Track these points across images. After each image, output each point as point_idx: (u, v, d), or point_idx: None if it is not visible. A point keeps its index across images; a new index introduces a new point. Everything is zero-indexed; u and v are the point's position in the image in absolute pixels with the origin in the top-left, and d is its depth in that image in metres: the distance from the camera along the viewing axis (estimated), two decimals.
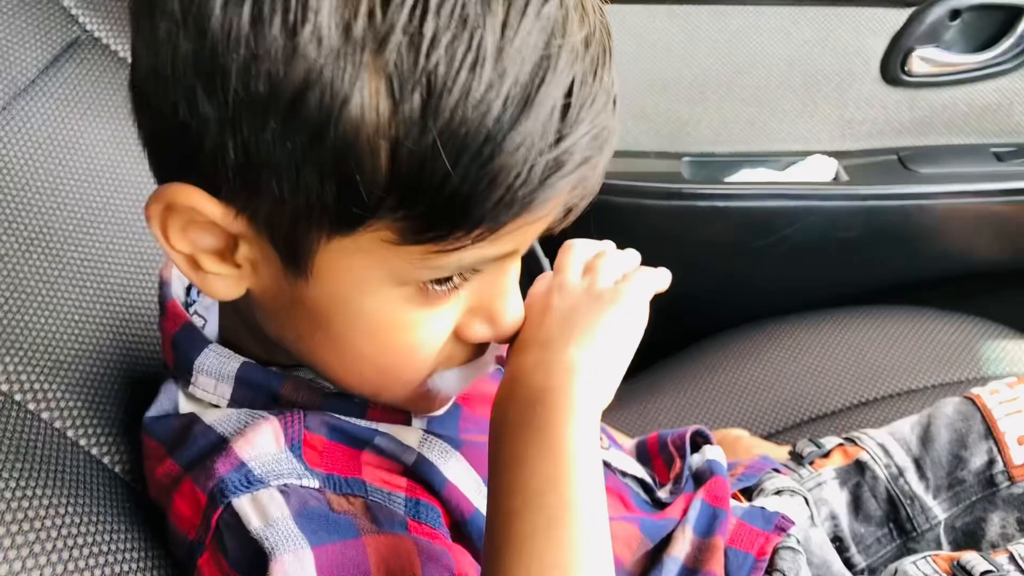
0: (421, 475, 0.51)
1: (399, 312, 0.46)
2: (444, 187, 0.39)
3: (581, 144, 0.41)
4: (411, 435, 0.53)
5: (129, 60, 0.79)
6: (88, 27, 0.80)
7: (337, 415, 0.52)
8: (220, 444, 0.49)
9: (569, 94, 0.40)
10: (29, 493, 0.47)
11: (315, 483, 0.48)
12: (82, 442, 0.54)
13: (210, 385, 0.52)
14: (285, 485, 0.47)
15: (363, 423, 0.52)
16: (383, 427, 0.52)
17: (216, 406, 0.52)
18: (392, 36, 0.37)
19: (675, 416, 1.01)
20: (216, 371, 0.51)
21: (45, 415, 0.54)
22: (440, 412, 0.55)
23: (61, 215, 0.66)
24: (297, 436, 0.49)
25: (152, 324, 0.66)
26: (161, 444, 0.52)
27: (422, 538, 0.48)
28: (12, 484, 0.46)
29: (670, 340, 1.11)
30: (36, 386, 0.54)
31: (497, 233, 0.42)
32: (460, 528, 0.52)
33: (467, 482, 0.53)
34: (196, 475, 0.48)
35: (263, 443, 0.48)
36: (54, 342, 0.58)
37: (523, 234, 0.44)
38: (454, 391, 0.52)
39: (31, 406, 0.53)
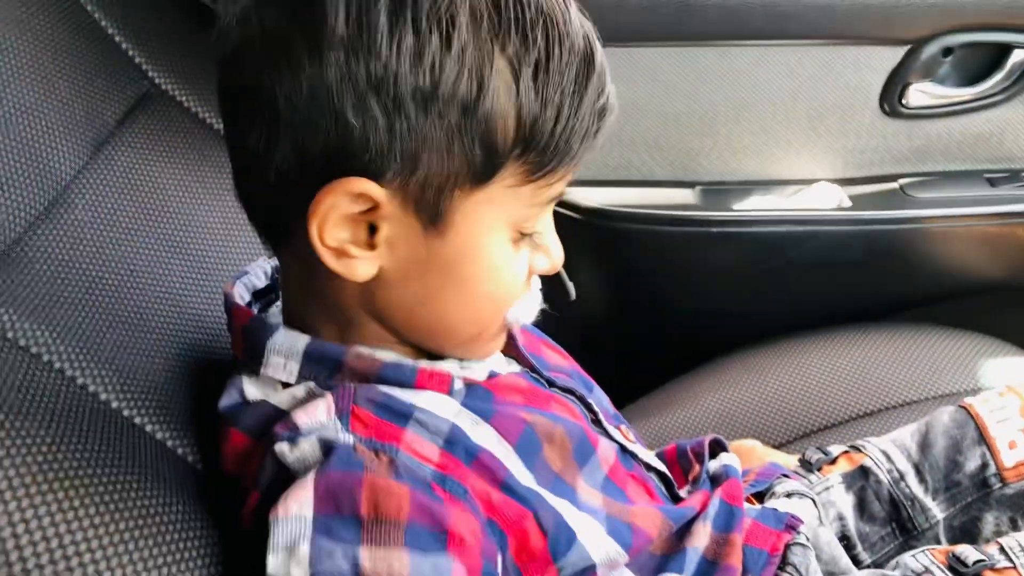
0: (454, 449, 0.58)
1: (508, 250, 0.59)
2: (555, 131, 0.54)
3: (611, 95, 0.58)
4: (448, 408, 0.60)
5: (193, 110, 0.88)
6: (156, 80, 0.88)
7: (386, 389, 0.60)
8: (281, 413, 0.59)
9: (593, 59, 0.56)
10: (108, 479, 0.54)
11: (350, 439, 0.56)
12: (158, 435, 0.62)
13: (280, 364, 0.60)
14: (323, 438, 0.56)
15: (406, 399, 0.59)
16: (422, 403, 0.60)
17: (286, 384, 0.61)
18: (509, 30, 0.53)
19: (689, 430, 1.06)
20: (287, 349, 0.60)
21: (134, 418, 0.62)
22: (482, 373, 0.65)
23: (143, 252, 0.74)
24: (346, 407, 0.57)
25: (220, 346, 0.73)
26: (234, 425, 0.61)
27: (429, 494, 0.55)
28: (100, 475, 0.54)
29: (684, 358, 1.17)
30: (129, 393, 0.62)
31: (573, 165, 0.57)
32: (500, 487, 0.59)
33: (498, 448, 0.60)
34: (264, 444, 0.58)
35: (316, 413, 0.57)
36: (141, 358, 0.66)
37: (574, 170, 0.59)
38: (526, 318, 0.64)
39: (125, 412, 0.61)
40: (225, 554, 0.58)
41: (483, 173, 0.55)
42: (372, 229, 0.56)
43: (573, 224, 1.18)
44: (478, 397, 0.63)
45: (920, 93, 1.15)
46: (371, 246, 0.57)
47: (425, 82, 0.52)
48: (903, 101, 1.15)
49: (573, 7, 0.57)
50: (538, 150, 0.55)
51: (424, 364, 0.62)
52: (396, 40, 0.51)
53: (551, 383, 0.71)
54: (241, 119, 0.57)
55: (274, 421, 0.58)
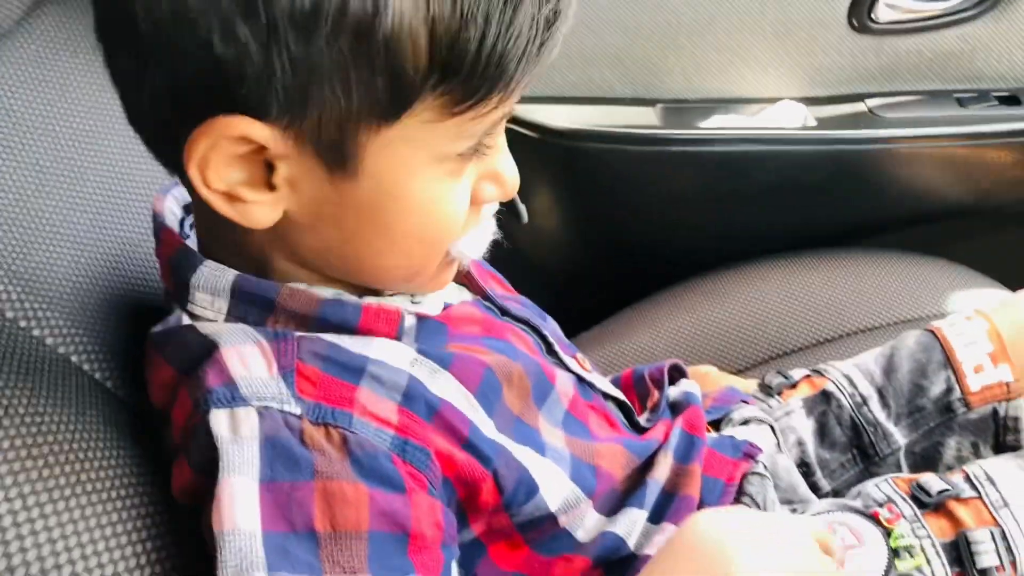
0: (414, 405, 0.53)
1: (438, 187, 0.51)
2: (480, 52, 0.45)
3: (563, 4, 0.47)
4: (402, 356, 0.54)
5: None
6: None
7: (331, 338, 0.53)
8: (211, 349, 0.51)
9: None
10: (34, 414, 0.49)
11: (297, 410, 0.49)
12: (85, 366, 0.56)
13: (207, 301, 0.54)
14: (265, 407, 0.48)
15: (355, 350, 0.53)
16: (374, 353, 0.54)
17: (214, 321, 0.54)
18: None
19: (647, 356, 1.04)
20: (212, 285, 0.54)
21: (49, 340, 0.56)
22: (436, 308, 0.60)
23: (55, 152, 0.68)
24: (289, 364, 0.50)
25: (145, 251, 0.68)
26: (160, 354, 0.55)
27: (384, 490, 0.49)
28: (20, 406, 0.48)
29: (642, 284, 1.14)
30: (40, 313, 0.56)
31: (517, 88, 0.48)
32: (463, 445, 0.54)
33: (459, 399, 0.55)
34: (190, 384, 0.51)
35: (255, 366, 0.50)
36: (53, 272, 0.60)
37: (519, 92, 0.49)
38: (474, 253, 0.58)
39: (35, 332, 0.55)
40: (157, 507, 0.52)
41: (392, 108, 0.46)
42: (271, 167, 0.49)
43: (526, 143, 1.14)
44: (432, 333, 0.58)
45: (890, 7, 1.11)
46: (270, 187, 0.49)
47: (305, 2, 0.42)
48: (872, 15, 1.11)
49: None
50: (461, 77, 0.46)
51: (370, 300, 0.56)
52: None
53: (504, 311, 0.66)
54: (108, 36, 0.49)
55: (202, 359, 0.51)
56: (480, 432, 0.55)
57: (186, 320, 0.55)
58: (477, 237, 0.57)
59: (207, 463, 0.48)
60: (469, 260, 0.59)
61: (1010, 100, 1.15)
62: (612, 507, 0.65)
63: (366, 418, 0.50)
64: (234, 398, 0.49)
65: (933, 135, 1.14)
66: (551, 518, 0.59)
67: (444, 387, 0.55)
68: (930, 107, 1.15)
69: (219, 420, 0.48)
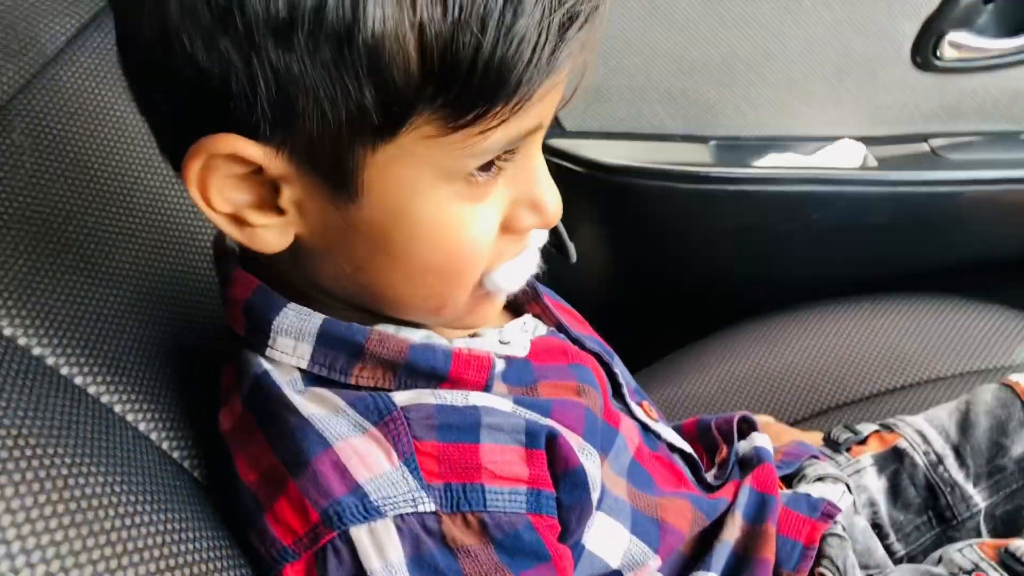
0: (536, 441, 0.50)
1: (453, 210, 0.47)
2: (477, 60, 0.40)
3: (580, 10, 0.42)
4: (505, 405, 0.52)
5: None
6: None
7: (436, 400, 0.50)
8: (324, 448, 0.48)
9: None
10: (77, 470, 0.45)
11: (431, 506, 0.47)
12: (129, 417, 0.53)
13: (289, 346, 0.51)
14: (401, 517, 0.46)
15: (462, 403, 0.50)
16: (480, 401, 0.51)
17: (298, 368, 0.51)
18: None
19: (700, 403, 1.00)
20: (296, 330, 0.50)
21: (91, 389, 0.52)
22: (516, 348, 0.56)
23: (93, 186, 0.65)
24: (408, 449, 0.48)
25: (190, 291, 0.65)
26: (261, 428, 0.51)
27: (533, 568, 0.48)
28: (61, 458, 0.45)
29: (694, 326, 1.09)
30: (78, 359, 0.53)
31: (532, 101, 0.43)
32: (564, 476, 0.51)
33: (570, 437, 0.53)
34: (305, 485, 0.47)
35: (376, 462, 0.47)
36: (90, 312, 0.56)
37: (545, 105, 0.45)
38: (511, 286, 0.53)
39: (77, 380, 0.52)
40: None
41: (386, 124, 0.42)
42: (278, 190, 0.46)
43: (576, 179, 1.10)
44: (520, 372, 0.55)
45: (954, 46, 1.07)
46: (279, 210, 0.47)
47: (278, 7, 0.39)
48: (937, 53, 1.07)
49: None
50: (458, 87, 0.41)
51: (459, 345, 0.53)
52: None
53: (578, 344, 0.63)
54: (125, 64, 0.48)
55: (310, 450, 0.48)
56: (584, 471, 0.52)
57: (265, 365, 0.51)
58: (516, 268, 0.53)
59: None
60: (506, 293, 0.54)
61: None
62: (679, 571, 0.61)
63: (497, 483, 0.48)
64: (367, 510, 0.46)
65: (998, 178, 1.09)
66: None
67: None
68: (996, 149, 1.11)
69: (363, 543, 0.46)
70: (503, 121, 0.43)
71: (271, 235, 0.47)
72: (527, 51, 0.41)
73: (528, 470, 0.50)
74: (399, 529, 0.46)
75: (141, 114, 0.49)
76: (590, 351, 0.63)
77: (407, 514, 0.46)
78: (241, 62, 0.41)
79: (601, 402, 0.59)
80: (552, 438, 0.51)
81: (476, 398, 0.51)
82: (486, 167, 0.46)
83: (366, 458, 0.47)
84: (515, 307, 0.63)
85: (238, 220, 0.47)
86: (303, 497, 0.47)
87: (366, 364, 0.51)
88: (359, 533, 0.46)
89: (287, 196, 0.46)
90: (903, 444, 0.78)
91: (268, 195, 0.46)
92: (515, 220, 0.50)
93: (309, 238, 0.48)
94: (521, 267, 0.53)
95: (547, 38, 0.41)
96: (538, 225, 0.51)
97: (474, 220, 0.48)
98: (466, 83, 0.41)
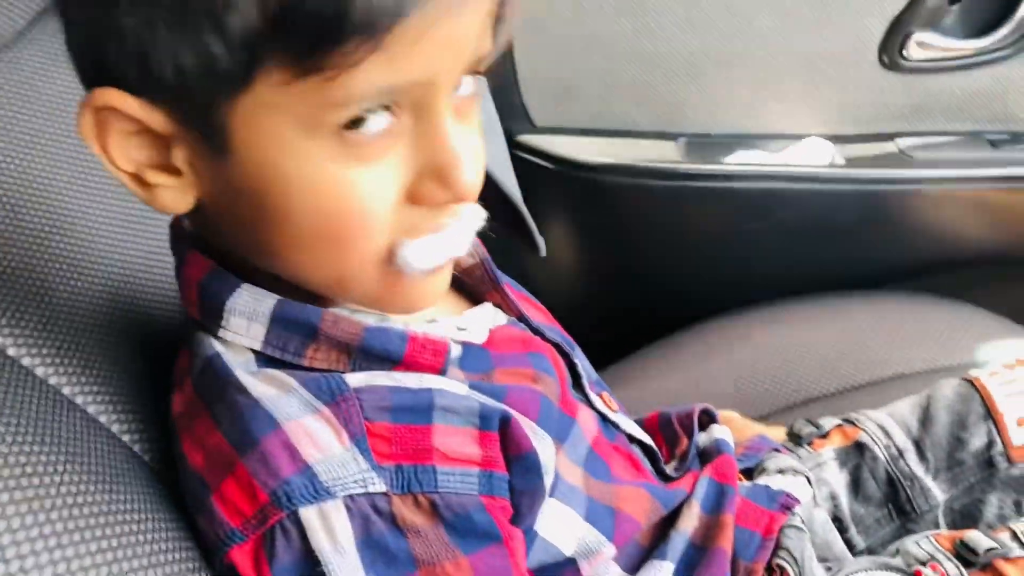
0: (490, 423, 0.50)
1: (330, 170, 0.45)
2: (308, 2, 0.40)
3: None
4: (459, 388, 0.52)
5: None
6: None
7: (388, 381, 0.50)
8: (270, 425, 0.47)
9: None
10: (18, 448, 0.44)
11: (382, 487, 0.47)
12: (78, 400, 0.52)
13: (243, 326, 0.50)
14: (351, 498, 0.46)
15: (414, 384, 0.50)
16: (434, 383, 0.51)
17: (251, 349, 0.51)
18: None
19: (667, 398, 0.99)
20: (251, 310, 0.50)
21: (39, 371, 0.52)
22: (473, 335, 0.55)
23: (51, 169, 0.64)
24: (359, 430, 0.47)
25: (149, 275, 0.64)
26: (209, 411, 0.50)
27: (484, 549, 0.48)
28: (1, 436, 0.44)
29: (662, 323, 1.10)
30: (26, 340, 0.52)
31: (384, 46, 0.41)
32: (516, 460, 0.51)
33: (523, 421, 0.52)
34: (253, 465, 0.46)
35: (326, 442, 0.47)
36: (49, 297, 0.56)
37: (429, 59, 0.43)
38: (426, 264, 0.49)
39: (24, 361, 0.51)
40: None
41: (236, 72, 0.42)
42: (170, 146, 0.47)
43: (546, 175, 1.11)
44: (476, 359, 0.55)
45: (921, 45, 1.09)
46: (176, 171, 0.47)
47: None
48: (904, 53, 1.08)
49: None
50: (296, 26, 0.40)
51: (415, 330, 0.52)
52: None
53: (539, 334, 0.63)
54: None
55: (259, 431, 0.47)
56: (536, 456, 0.52)
57: (217, 347, 0.51)
58: (431, 246, 0.49)
59: (303, 568, 0.46)
60: (418, 271, 0.50)
61: None
62: (636, 561, 0.61)
63: (448, 465, 0.48)
64: (317, 491, 0.45)
65: (965, 177, 1.11)
66: (570, 564, 0.56)
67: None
68: (962, 148, 1.13)
69: (312, 523, 0.45)
70: (355, 65, 0.41)
71: (170, 196, 0.47)
72: None
73: (481, 451, 0.50)
74: (349, 510, 0.46)
75: None
76: (550, 341, 0.63)
77: (357, 495, 0.46)
78: (99, 14, 0.43)
79: (559, 391, 0.59)
80: (505, 421, 0.51)
81: (430, 380, 0.51)
82: (356, 123, 0.44)
83: (316, 439, 0.47)
84: (475, 296, 0.63)
85: (139, 180, 0.47)
86: (251, 478, 0.46)
87: (320, 345, 0.51)
88: (308, 514, 0.45)
89: (179, 156, 0.46)
90: (864, 438, 0.78)
91: (162, 154, 0.46)
92: (421, 191, 0.47)
93: (209, 201, 0.48)
94: (439, 245, 0.50)
95: None
96: (448, 199, 0.48)
97: (358, 183, 0.46)
98: (302, 23, 0.40)
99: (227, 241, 0.51)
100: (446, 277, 0.53)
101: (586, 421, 0.61)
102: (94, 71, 0.46)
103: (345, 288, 0.51)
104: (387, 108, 0.45)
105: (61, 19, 0.47)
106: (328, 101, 0.43)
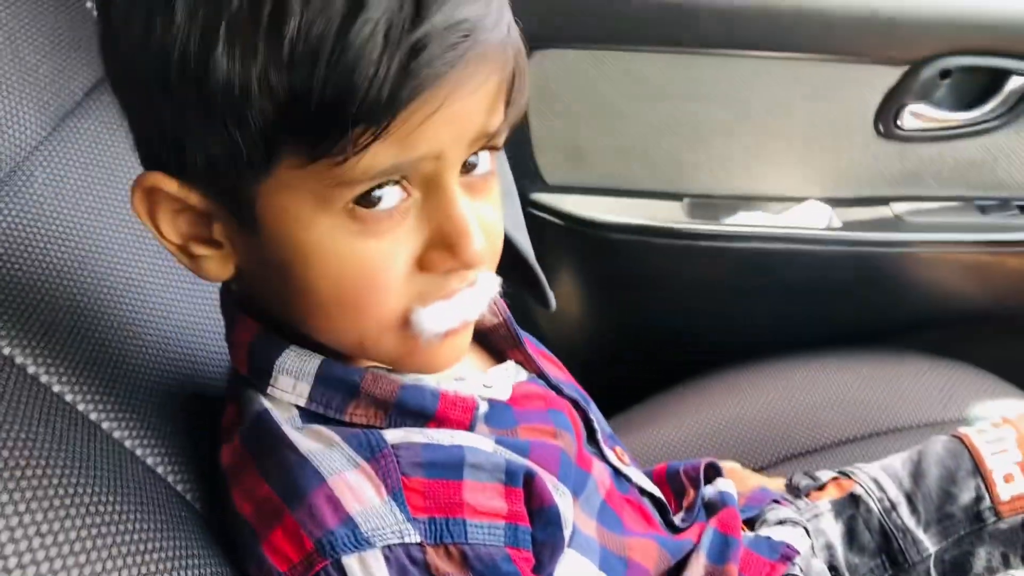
0: (515, 480, 0.54)
1: (342, 242, 0.48)
2: (311, 96, 0.43)
3: (438, 32, 0.44)
4: (487, 445, 0.55)
5: None
6: None
7: (423, 439, 0.54)
8: (318, 483, 0.51)
9: None
10: (97, 499, 0.49)
11: (417, 537, 0.50)
12: (138, 452, 0.57)
13: (289, 384, 0.54)
14: (389, 548, 0.49)
15: (447, 441, 0.54)
16: (464, 441, 0.54)
17: (296, 405, 0.55)
18: None
19: (671, 448, 1.03)
20: (297, 369, 0.54)
21: (105, 425, 0.56)
22: (461, 374, 0.59)
23: (107, 233, 0.69)
24: (396, 484, 0.51)
25: (198, 335, 0.68)
26: (255, 464, 0.54)
27: None
28: (84, 487, 0.49)
29: (666, 374, 1.14)
30: (94, 396, 0.57)
31: (388, 131, 0.44)
32: (538, 513, 0.55)
33: (546, 478, 0.56)
34: (301, 516, 0.50)
35: (366, 496, 0.50)
36: (106, 354, 0.60)
37: (435, 138, 0.46)
38: (438, 327, 0.52)
39: (92, 416, 0.56)
40: None
41: (257, 159, 0.46)
42: (211, 224, 0.51)
43: (557, 231, 1.15)
44: (501, 415, 0.59)
45: (915, 116, 1.14)
46: (216, 243, 0.52)
47: (157, 61, 0.45)
48: (898, 122, 1.13)
49: None
50: (306, 118, 0.44)
51: (446, 388, 0.57)
52: (130, 17, 0.46)
53: (558, 391, 0.67)
54: None
55: (306, 485, 0.51)
56: (557, 510, 0.55)
57: (266, 403, 0.55)
58: (444, 311, 0.52)
59: None
60: (432, 335, 0.52)
61: None
62: None
63: (477, 518, 0.51)
64: (358, 541, 0.49)
65: (955, 240, 1.16)
66: None
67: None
68: (953, 213, 1.17)
69: (353, 570, 0.49)
70: (364, 148, 0.44)
71: (213, 266, 0.52)
72: (362, 84, 0.43)
73: (507, 506, 0.53)
74: (387, 559, 0.49)
75: None
76: (567, 397, 0.67)
77: (394, 544, 0.49)
78: (141, 106, 0.48)
79: (575, 446, 0.63)
80: (530, 477, 0.54)
81: (461, 437, 0.55)
82: (367, 198, 0.47)
83: (358, 492, 0.50)
84: (499, 353, 0.67)
85: (186, 251, 0.52)
86: (299, 527, 0.50)
87: (360, 403, 0.55)
88: (350, 561, 0.49)
89: (218, 230, 0.51)
90: (859, 491, 0.82)
91: (204, 229, 0.51)
92: (430, 260, 0.50)
93: (246, 271, 0.53)
94: (450, 310, 0.52)
95: (385, 73, 0.43)
96: (456, 267, 0.51)
97: (370, 254, 0.49)
98: (312, 115, 0.44)
99: (266, 305, 0.55)
100: (464, 339, 0.56)
101: (600, 474, 0.65)
102: (145, 151, 0.51)
103: (367, 350, 0.54)
104: (397, 183, 0.48)
105: (119, 103, 0.53)
106: (339, 180, 0.46)
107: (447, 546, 0.51)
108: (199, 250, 0.52)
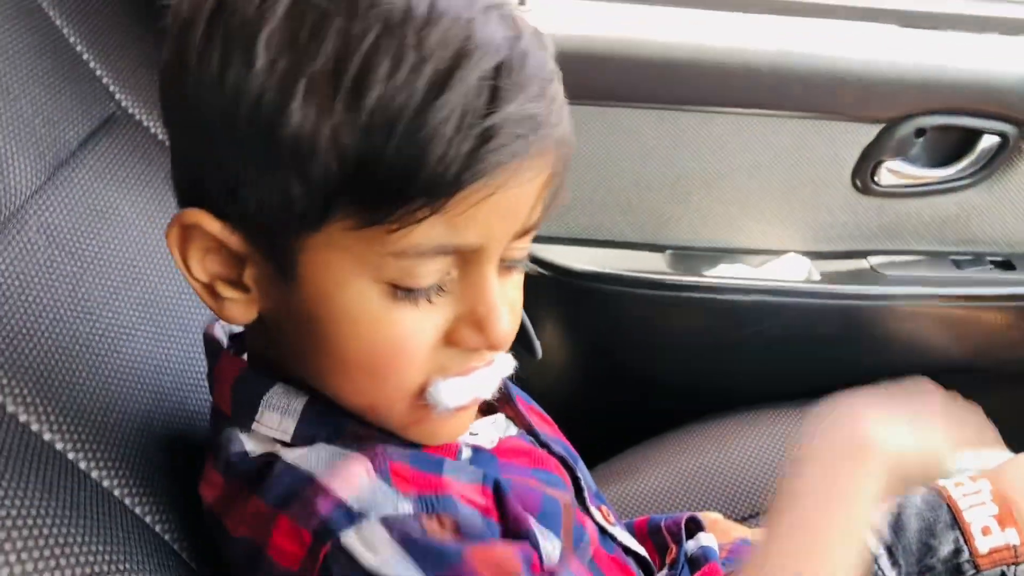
0: (492, 486, 0.54)
1: (378, 308, 0.49)
2: (381, 164, 0.44)
3: (509, 122, 0.45)
4: (467, 468, 0.56)
5: (160, 136, 0.85)
6: (123, 104, 0.84)
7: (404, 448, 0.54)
8: (309, 481, 0.51)
9: (495, 78, 0.45)
10: (87, 548, 0.49)
11: (409, 508, 0.50)
12: (127, 501, 0.57)
13: (275, 421, 0.54)
14: (385, 518, 0.49)
15: (430, 453, 0.55)
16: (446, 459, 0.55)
17: (281, 441, 0.54)
18: (324, 46, 0.44)
19: (654, 498, 1.04)
20: (283, 406, 0.54)
21: (94, 473, 0.56)
22: (490, 441, 0.60)
23: (99, 281, 0.69)
24: (384, 467, 0.51)
25: (186, 379, 0.69)
26: (243, 482, 0.54)
27: (519, 546, 0.51)
28: (74, 536, 0.49)
29: (649, 424, 1.14)
30: (84, 444, 0.57)
31: (444, 209, 0.46)
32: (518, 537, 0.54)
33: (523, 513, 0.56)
34: (295, 513, 0.50)
35: (357, 481, 0.50)
36: (97, 401, 0.61)
37: (484, 224, 0.48)
38: (453, 402, 0.53)
39: (82, 465, 0.56)
40: None
41: (311, 213, 0.46)
42: (244, 264, 0.51)
43: (542, 281, 1.16)
44: (485, 463, 0.59)
45: (892, 172, 1.16)
46: (244, 287, 0.52)
47: (227, 103, 0.46)
48: (875, 179, 1.16)
49: (477, 3, 0.46)
50: (370, 184, 0.45)
51: None
52: (205, 56, 0.46)
53: (546, 448, 0.67)
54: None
55: (302, 490, 0.51)
56: (535, 534, 0.55)
57: (247, 442, 0.55)
58: (461, 386, 0.53)
59: None
60: (445, 408, 0.53)
61: (1004, 265, 1.19)
62: None
63: (463, 501, 0.51)
64: (352, 517, 0.49)
65: (931, 295, 1.18)
66: None
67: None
68: (929, 267, 1.20)
69: (354, 545, 0.48)
70: (419, 222, 0.46)
71: (237, 308, 0.52)
72: (430, 162, 0.44)
73: (483, 500, 0.53)
74: (388, 528, 0.49)
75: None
76: (556, 455, 0.68)
77: (390, 515, 0.49)
78: (200, 146, 0.48)
79: (572, 499, 0.63)
80: (500, 489, 0.54)
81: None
82: (407, 272, 0.48)
83: (347, 478, 0.50)
84: (488, 406, 0.67)
85: (211, 290, 0.52)
86: (295, 523, 0.50)
87: (345, 439, 0.54)
88: (349, 539, 0.48)
89: (249, 274, 0.51)
90: None
91: (235, 271, 0.51)
92: (458, 335, 0.51)
93: (270, 317, 0.52)
94: (467, 386, 0.53)
95: (454, 154, 0.44)
96: (482, 345, 0.52)
97: (403, 323, 0.49)
98: (377, 182, 0.45)
99: (279, 352, 0.55)
100: (471, 415, 0.57)
101: (590, 532, 0.65)
102: (189, 189, 0.51)
103: (376, 415, 0.54)
104: (439, 261, 0.49)
105: (170, 140, 0.53)
106: (388, 249, 0.47)
107: (439, 516, 0.50)
108: (226, 291, 0.52)
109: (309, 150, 0.44)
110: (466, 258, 0.50)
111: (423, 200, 0.45)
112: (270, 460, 0.53)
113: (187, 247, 0.50)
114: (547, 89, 0.48)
